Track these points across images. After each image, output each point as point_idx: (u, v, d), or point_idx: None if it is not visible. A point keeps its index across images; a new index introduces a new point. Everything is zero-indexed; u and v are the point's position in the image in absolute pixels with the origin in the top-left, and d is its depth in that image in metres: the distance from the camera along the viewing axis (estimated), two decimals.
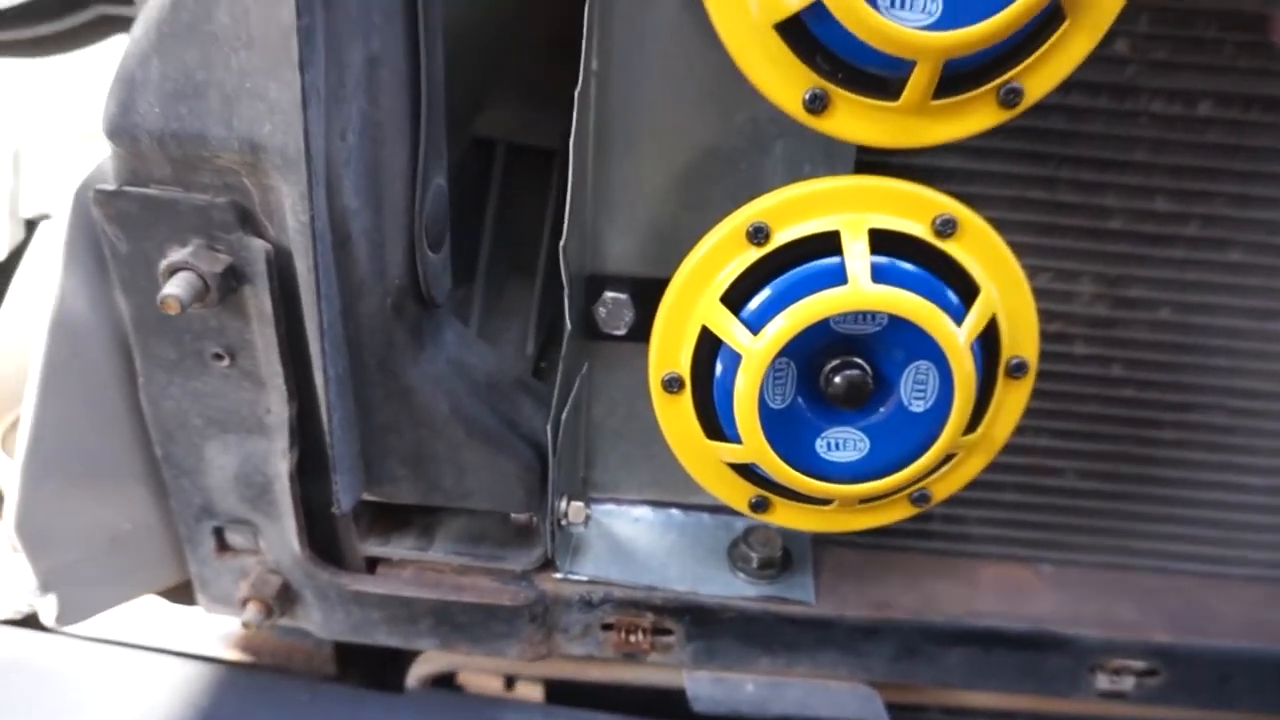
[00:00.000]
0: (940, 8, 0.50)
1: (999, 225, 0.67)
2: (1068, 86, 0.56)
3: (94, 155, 0.65)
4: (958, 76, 0.52)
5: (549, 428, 0.64)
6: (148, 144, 0.52)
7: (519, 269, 0.77)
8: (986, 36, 0.49)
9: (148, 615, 0.80)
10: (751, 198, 0.61)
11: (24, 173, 0.68)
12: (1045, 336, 0.73)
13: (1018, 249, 0.68)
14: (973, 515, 0.78)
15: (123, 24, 0.64)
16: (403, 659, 0.82)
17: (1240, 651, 0.73)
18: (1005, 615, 0.73)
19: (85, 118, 0.66)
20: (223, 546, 0.70)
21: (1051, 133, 0.67)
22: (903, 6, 0.50)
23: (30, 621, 0.74)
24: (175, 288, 0.53)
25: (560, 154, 0.77)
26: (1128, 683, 0.73)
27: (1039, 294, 0.70)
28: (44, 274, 0.65)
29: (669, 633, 0.73)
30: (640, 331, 0.66)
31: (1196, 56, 0.64)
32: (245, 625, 0.71)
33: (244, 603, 0.70)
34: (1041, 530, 0.78)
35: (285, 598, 0.71)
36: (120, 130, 0.52)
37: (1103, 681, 0.73)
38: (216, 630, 0.82)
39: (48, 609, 0.67)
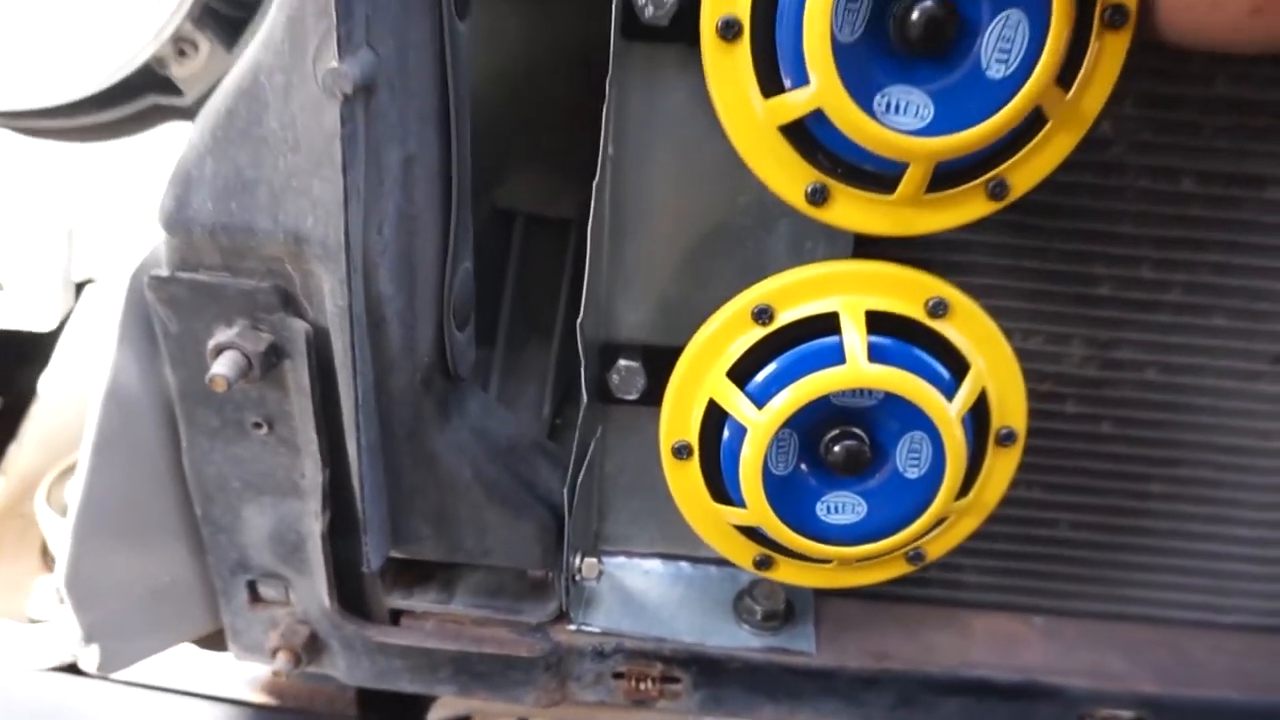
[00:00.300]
0: (932, 113, 0.54)
1: (993, 291, 0.71)
2: None
3: (140, 232, 0.69)
4: (949, 173, 0.57)
5: (565, 491, 0.68)
6: (200, 235, 0.56)
7: (536, 333, 0.81)
8: (974, 141, 0.53)
9: (180, 661, 0.83)
10: (757, 273, 0.65)
11: (75, 246, 0.73)
12: (1038, 395, 0.77)
13: (1011, 313, 0.72)
14: (968, 564, 0.81)
15: (173, 113, 0.68)
16: (421, 702, 0.86)
17: (1225, 702, 0.76)
18: (998, 666, 0.76)
19: (134, 198, 0.70)
20: (255, 599, 0.74)
21: (1042, 206, 0.71)
22: (897, 111, 0.54)
23: (73, 667, 0.78)
24: (223, 367, 0.57)
25: (576, 224, 0.82)
26: None
27: (1032, 355, 0.75)
28: (94, 342, 0.69)
29: (677, 681, 0.76)
30: (651, 396, 0.70)
31: (1178, 138, 0.68)
32: (276, 673, 0.74)
33: (274, 652, 0.74)
34: (1034, 579, 0.81)
35: (313, 647, 0.75)
36: (176, 223, 0.56)
37: None
38: (244, 675, 0.85)
39: (90, 658, 0.71)
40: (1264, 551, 0.81)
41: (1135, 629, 0.81)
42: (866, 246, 0.66)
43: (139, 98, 0.67)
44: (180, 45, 0.64)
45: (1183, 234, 0.71)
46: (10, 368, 0.85)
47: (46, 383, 0.82)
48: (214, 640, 0.80)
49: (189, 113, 0.69)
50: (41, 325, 0.76)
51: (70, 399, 0.80)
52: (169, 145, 0.70)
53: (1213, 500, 0.80)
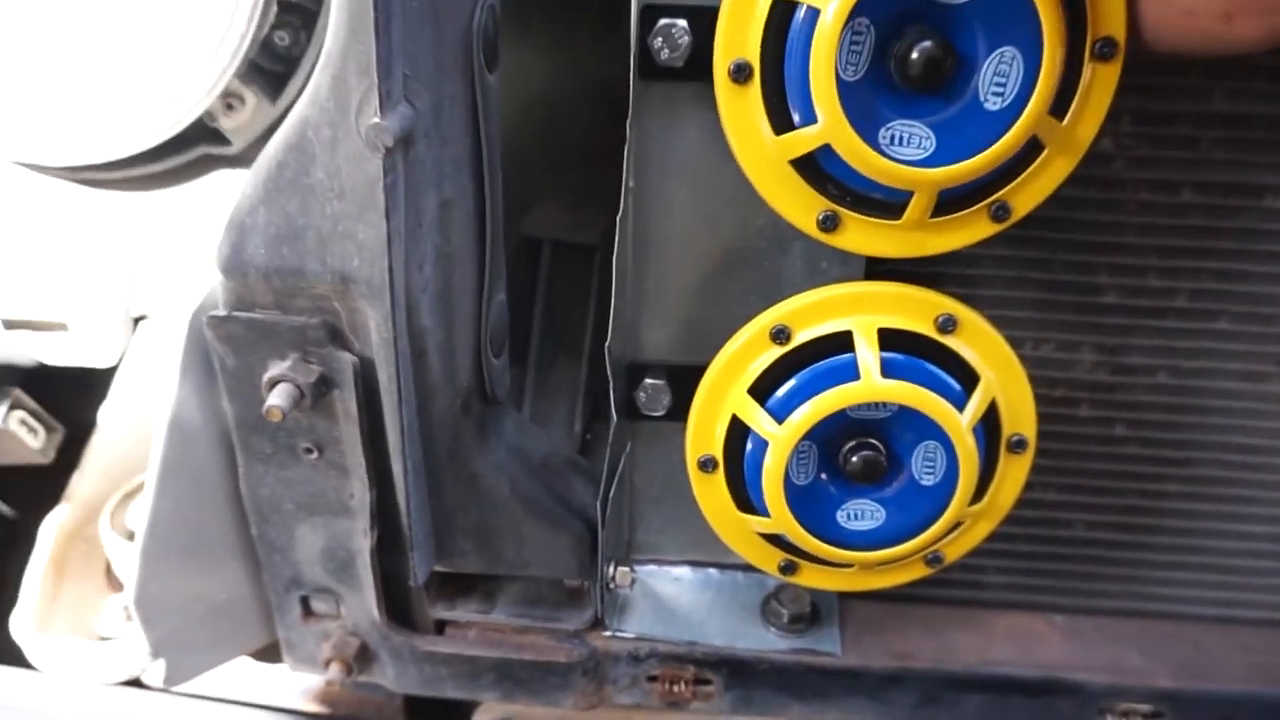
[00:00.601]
0: (934, 144, 0.57)
1: (1004, 302, 0.74)
2: None
3: (195, 272, 0.74)
4: (952, 199, 0.60)
5: (598, 504, 0.71)
6: (254, 278, 0.61)
7: (565, 354, 0.85)
8: (974, 170, 0.57)
9: (238, 673, 0.88)
10: (774, 294, 0.69)
11: (133, 286, 0.78)
12: (1051, 400, 0.79)
13: (1022, 323, 0.75)
14: (989, 565, 0.84)
15: (222, 161, 0.73)
16: (464, 708, 0.90)
17: (1240, 694, 0.78)
18: (1018, 663, 0.79)
19: (187, 240, 0.75)
20: (308, 613, 0.78)
21: (1046, 220, 0.74)
22: (901, 144, 0.58)
23: (138, 682, 0.83)
24: (277, 398, 0.61)
25: (601, 249, 0.85)
26: None
27: (1043, 363, 0.78)
28: (152, 375, 0.74)
29: (709, 683, 0.80)
30: (677, 411, 0.74)
31: (1176, 151, 0.71)
32: (329, 683, 0.79)
33: (327, 663, 0.78)
34: (1053, 578, 0.84)
35: (363, 657, 0.79)
36: (232, 267, 0.61)
37: None
38: (298, 685, 0.90)
39: (157, 673, 0.76)
40: (1278, 547, 0.83)
41: (1153, 625, 0.83)
42: (879, 265, 0.70)
43: (191, 149, 0.71)
44: (228, 100, 0.69)
45: (1185, 243, 0.74)
46: (72, 401, 0.90)
47: (105, 414, 0.87)
48: (269, 653, 0.84)
49: (237, 160, 0.73)
50: (103, 361, 0.81)
51: (128, 429, 0.85)
52: (219, 190, 0.75)
53: (1226, 499, 0.83)
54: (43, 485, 0.90)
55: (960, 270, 0.72)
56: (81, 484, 0.87)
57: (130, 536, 0.83)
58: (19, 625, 0.81)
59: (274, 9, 0.66)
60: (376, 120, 0.54)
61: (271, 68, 0.69)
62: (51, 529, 0.85)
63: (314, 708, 0.89)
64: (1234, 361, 0.78)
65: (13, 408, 0.85)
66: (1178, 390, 0.79)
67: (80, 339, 0.78)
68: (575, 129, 0.78)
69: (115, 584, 0.87)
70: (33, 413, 0.87)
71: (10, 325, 0.77)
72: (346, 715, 0.90)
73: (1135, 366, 0.79)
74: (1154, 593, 0.84)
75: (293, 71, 0.69)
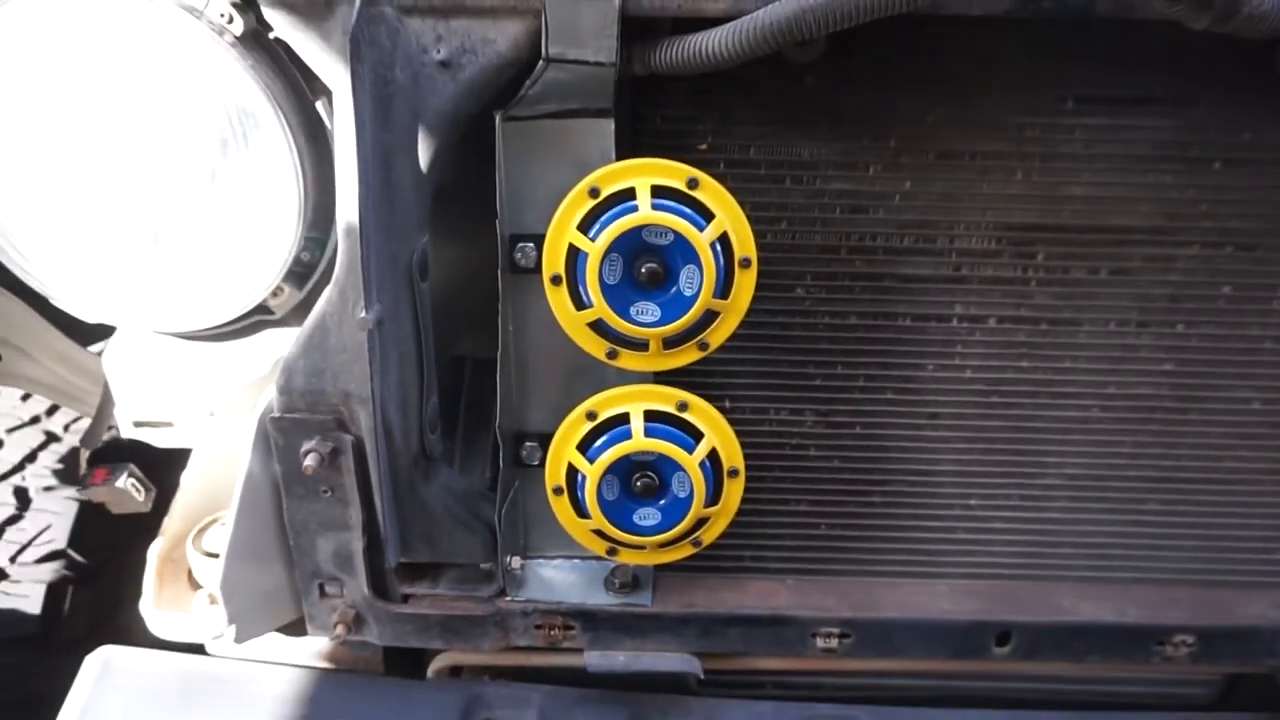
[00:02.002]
0: (660, 315, 1.08)
1: (744, 387, 1.26)
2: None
3: (248, 389, 1.24)
4: (673, 340, 1.11)
5: (496, 519, 1.21)
6: (296, 396, 1.11)
7: (480, 427, 1.36)
8: (680, 327, 1.08)
9: (270, 642, 1.36)
10: (597, 389, 1.19)
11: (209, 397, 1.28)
12: (788, 447, 1.30)
13: (759, 398, 1.27)
14: (744, 545, 1.34)
15: (269, 324, 1.23)
16: (424, 657, 1.38)
17: (896, 621, 1.30)
18: (760, 608, 1.29)
19: (244, 375, 1.25)
20: (323, 594, 1.27)
21: (752, 338, 1.26)
22: (642, 314, 1.09)
23: (198, 649, 1.31)
24: (309, 461, 1.11)
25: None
26: (833, 643, 1.29)
27: (779, 424, 1.29)
28: (232, 452, 1.24)
29: (572, 628, 1.29)
30: (545, 461, 1.24)
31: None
32: (335, 640, 1.27)
33: (334, 625, 1.27)
34: (785, 552, 1.34)
35: (358, 621, 1.28)
36: (283, 390, 1.11)
37: (817, 644, 1.29)
38: (311, 649, 1.38)
39: (230, 634, 1.23)
40: (937, 521, 1.35)
41: (848, 584, 1.34)
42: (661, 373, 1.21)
43: (251, 318, 1.22)
44: (275, 290, 1.19)
45: (851, 347, 1.26)
46: (167, 468, 1.39)
47: (186, 477, 1.36)
48: (293, 628, 1.32)
49: (277, 323, 1.24)
50: (189, 444, 1.30)
51: (201, 486, 1.34)
52: (263, 342, 1.25)
53: (913, 496, 1.34)
54: (146, 525, 1.38)
55: (706, 368, 1.23)
56: (171, 524, 1.36)
57: (207, 555, 1.31)
58: (144, 607, 1.28)
59: (302, 240, 1.17)
60: (364, 315, 1.05)
61: (300, 271, 1.20)
62: (154, 553, 1.33)
63: (322, 663, 1.37)
64: (895, 423, 1.31)
65: (129, 475, 1.34)
66: (869, 435, 1.31)
67: (179, 431, 1.28)
68: (481, 289, 1.29)
69: (195, 585, 1.35)
70: (139, 479, 1.36)
71: (139, 424, 1.26)
72: (344, 668, 1.37)
73: (840, 423, 1.31)
74: (847, 559, 1.35)
75: (312, 272, 1.20)
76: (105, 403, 1.32)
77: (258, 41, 1.08)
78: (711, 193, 1.07)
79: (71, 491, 1.93)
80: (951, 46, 1.09)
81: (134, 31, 1.06)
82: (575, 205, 1.07)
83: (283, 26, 1.04)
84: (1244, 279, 1.20)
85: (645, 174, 1.07)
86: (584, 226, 1.07)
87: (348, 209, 1.04)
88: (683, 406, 1.17)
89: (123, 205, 1.14)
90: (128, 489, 1.34)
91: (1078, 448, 1.29)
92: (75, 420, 2.09)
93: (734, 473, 1.20)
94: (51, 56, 1.07)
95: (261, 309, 1.21)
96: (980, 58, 1.10)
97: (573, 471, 1.18)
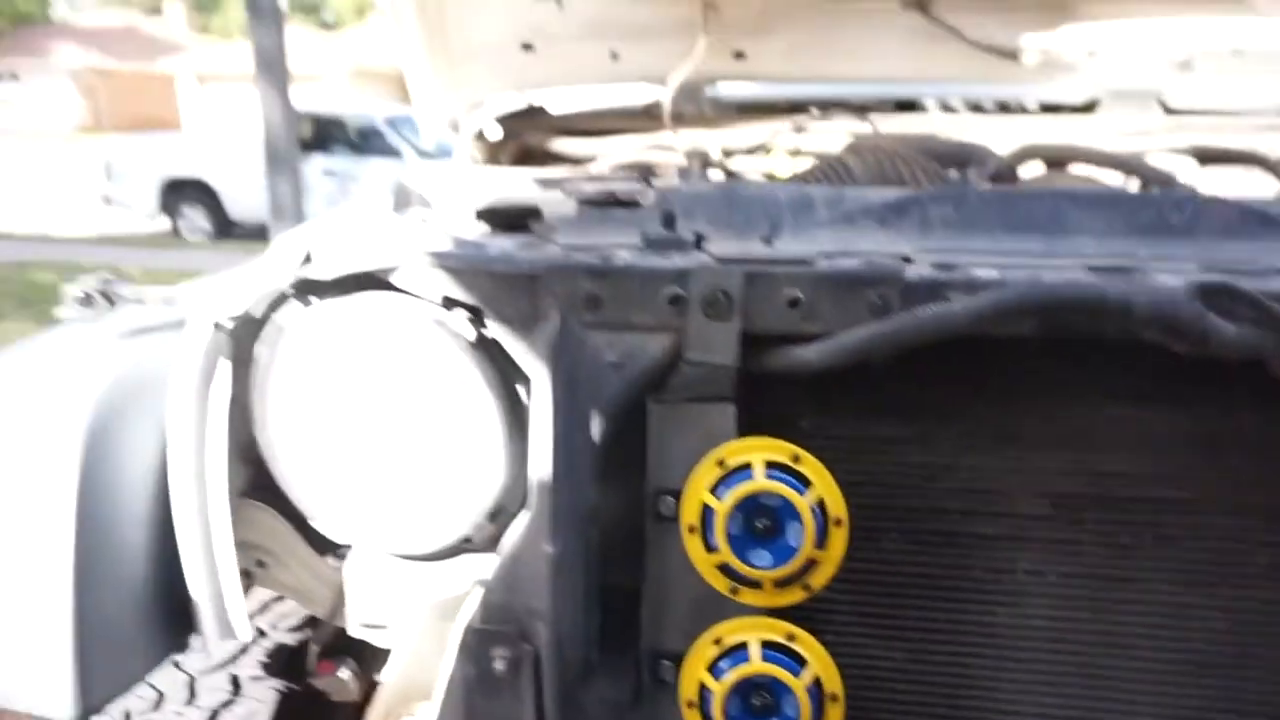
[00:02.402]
0: (771, 560, 1.38)
1: (846, 625, 1.50)
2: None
3: (453, 607, 1.59)
4: (784, 580, 1.39)
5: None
6: (492, 610, 1.45)
7: (626, 646, 1.65)
8: (787, 573, 1.37)
9: None
10: (725, 617, 1.47)
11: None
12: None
13: (852, 628, 1.51)
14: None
15: (470, 549, 1.60)
16: None
17: None
18: None
19: (445, 590, 1.61)
20: None
21: (856, 583, 1.52)
22: (757, 559, 1.38)
23: None
24: (499, 665, 1.43)
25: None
26: None
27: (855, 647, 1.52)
28: (425, 654, 1.57)
29: None
30: None
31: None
32: None
33: None
34: None
35: None
36: (483, 605, 1.45)
37: None
38: None
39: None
40: None
41: None
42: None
43: (455, 546, 1.59)
44: (478, 526, 1.57)
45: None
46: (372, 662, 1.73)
47: (386, 674, 1.69)
48: None
49: (475, 549, 1.60)
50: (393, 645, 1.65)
51: (398, 684, 1.67)
52: (464, 565, 1.61)
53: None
54: (353, 710, 1.71)
55: (809, 607, 1.50)
56: (372, 712, 1.68)
57: None
58: None
59: (503, 489, 1.55)
60: (548, 549, 1.40)
61: (497, 512, 1.58)
62: None
63: None
64: (975, 663, 1.52)
65: (348, 669, 1.69)
66: (951, 673, 1.52)
67: (390, 632, 1.63)
68: (628, 533, 1.62)
69: None
70: (355, 672, 1.70)
71: (366, 626, 1.62)
72: None
73: (926, 660, 1.53)
74: None
75: (506, 514, 1.58)
76: (338, 605, 1.69)
77: (482, 342, 1.53)
78: (810, 465, 1.40)
79: (275, 682, 2.30)
80: (998, 355, 1.42)
81: (399, 336, 1.52)
82: (706, 472, 1.43)
83: (502, 335, 1.48)
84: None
85: (759, 450, 1.42)
86: (713, 489, 1.41)
87: (540, 468, 1.42)
88: (791, 637, 1.43)
89: (374, 456, 1.56)
90: (346, 680, 1.69)
91: (1146, 698, 1.46)
92: (283, 619, 2.49)
93: (834, 697, 1.43)
94: (338, 352, 1.55)
95: (465, 539, 1.58)
96: (1025, 364, 1.42)
97: (704, 689, 1.44)
